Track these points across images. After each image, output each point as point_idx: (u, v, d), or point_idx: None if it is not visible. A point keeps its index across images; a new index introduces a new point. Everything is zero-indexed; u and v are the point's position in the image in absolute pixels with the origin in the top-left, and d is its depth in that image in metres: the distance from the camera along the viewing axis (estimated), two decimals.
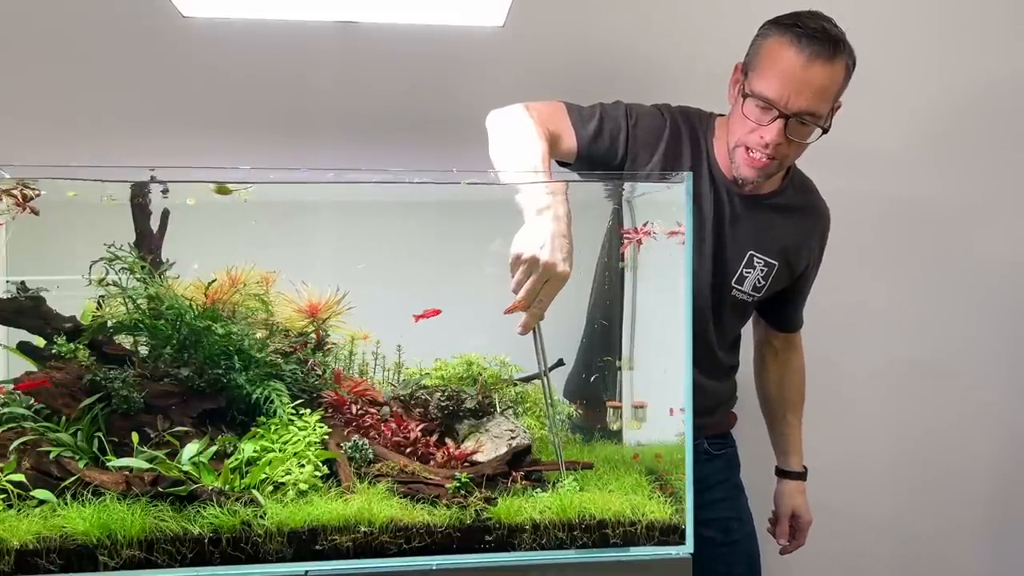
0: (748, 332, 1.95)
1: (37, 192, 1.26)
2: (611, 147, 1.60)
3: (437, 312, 1.38)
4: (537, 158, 1.39)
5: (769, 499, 1.99)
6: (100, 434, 1.21)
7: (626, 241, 1.45)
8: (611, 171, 1.61)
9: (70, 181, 1.28)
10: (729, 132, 1.61)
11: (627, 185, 1.48)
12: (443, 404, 1.40)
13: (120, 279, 1.28)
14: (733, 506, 1.87)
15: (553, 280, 1.25)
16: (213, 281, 1.34)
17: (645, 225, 1.43)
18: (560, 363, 1.46)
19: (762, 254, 1.68)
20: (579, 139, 1.58)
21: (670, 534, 1.23)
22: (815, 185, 1.78)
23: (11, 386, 1.25)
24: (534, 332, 1.31)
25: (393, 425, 1.34)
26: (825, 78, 1.48)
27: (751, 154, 1.56)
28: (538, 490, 1.25)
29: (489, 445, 1.34)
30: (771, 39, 1.52)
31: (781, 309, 1.88)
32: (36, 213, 1.27)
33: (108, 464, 1.18)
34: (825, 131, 1.54)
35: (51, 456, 1.18)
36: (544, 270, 1.24)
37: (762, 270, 1.69)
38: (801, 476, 1.95)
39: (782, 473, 1.97)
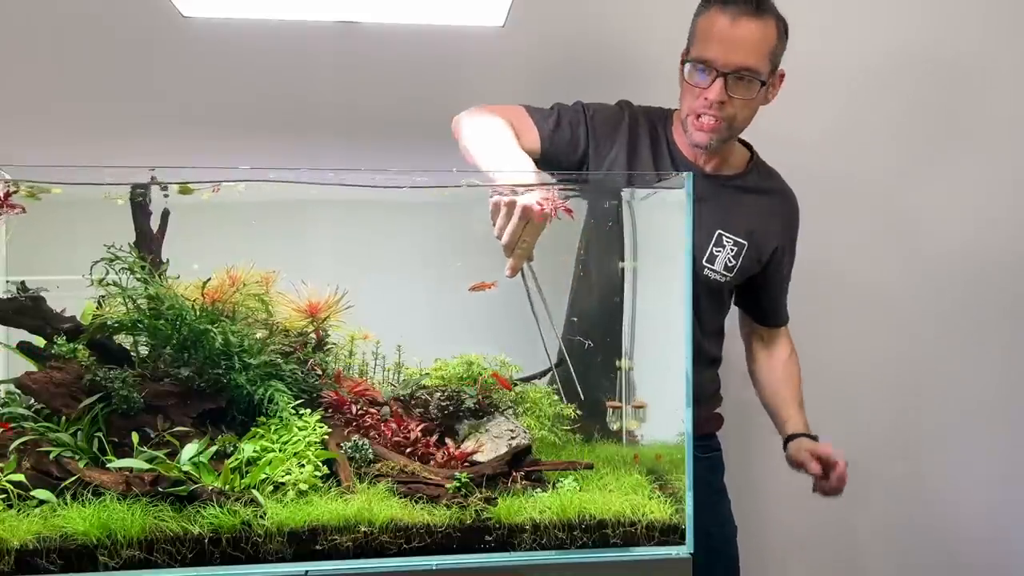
0: (734, 331, 1.95)
1: (16, 189, 1.26)
2: (572, 137, 1.69)
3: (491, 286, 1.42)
4: (509, 138, 1.55)
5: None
6: (100, 434, 1.21)
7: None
8: (611, 172, 1.63)
9: (68, 180, 1.28)
10: (680, 107, 1.69)
11: (625, 188, 1.49)
12: (443, 404, 1.40)
13: (120, 279, 1.28)
14: (712, 512, 1.80)
15: (533, 221, 1.32)
16: (208, 280, 1.34)
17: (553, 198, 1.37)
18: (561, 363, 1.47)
19: (730, 233, 1.72)
20: (541, 132, 1.67)
21: (670, 534, 1.23)
22: (781, 176, 1.83)
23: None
24: (523, 274, 1.36)
25: (393, 425, 1.34)
26: (754, 32, 1.58)
27: (700, 119, 1.63)
28: (538, 490, 1.25)
29: (489, 445, 1.34)
30: (701, 16, 1.63)
31: (758, 299, 1.88)
32: (23, 210, 1.27)
33: (108, 464, 1.18)
34: (763, 84, 1.61)
35: (51, 456, 1.18)
36: (523, 212, 1.31)
37: (732, 249, 1.72)
38: (810, 436, 1.77)
39: (790, 437, 1.79)
